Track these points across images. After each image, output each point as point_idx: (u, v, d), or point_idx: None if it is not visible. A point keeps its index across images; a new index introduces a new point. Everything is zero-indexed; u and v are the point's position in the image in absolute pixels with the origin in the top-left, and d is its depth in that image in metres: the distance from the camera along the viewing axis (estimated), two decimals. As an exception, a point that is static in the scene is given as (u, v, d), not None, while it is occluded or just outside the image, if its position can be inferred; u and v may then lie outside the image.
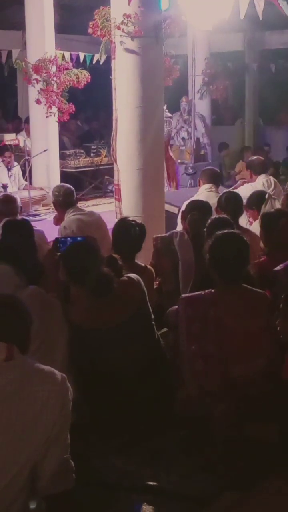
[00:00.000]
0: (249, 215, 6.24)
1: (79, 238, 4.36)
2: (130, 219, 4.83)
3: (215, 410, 3.28)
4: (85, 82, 9.84)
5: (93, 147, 11.74)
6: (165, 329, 4.14)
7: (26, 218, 5.81)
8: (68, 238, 4.44)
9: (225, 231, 3.80)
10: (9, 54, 12.97)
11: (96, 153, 11.56)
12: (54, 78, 9.63)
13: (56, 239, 4.48)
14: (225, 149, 14.39)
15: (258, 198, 6.06)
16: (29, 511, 2.67)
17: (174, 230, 5.27)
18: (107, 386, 3.58)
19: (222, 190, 6.65)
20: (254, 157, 7.99)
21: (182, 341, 3.57)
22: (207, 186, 6.64)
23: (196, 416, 3.38)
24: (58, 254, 4.13)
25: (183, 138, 13.39)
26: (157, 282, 4.95)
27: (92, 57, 11.47)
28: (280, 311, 3.47)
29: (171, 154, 10.30)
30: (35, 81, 9.63)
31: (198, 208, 5.26)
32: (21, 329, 2.73)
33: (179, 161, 12.96)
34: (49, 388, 2.61)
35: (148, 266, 4.76)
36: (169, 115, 10.11)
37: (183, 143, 13.34)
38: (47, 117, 9.71)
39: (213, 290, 3.60)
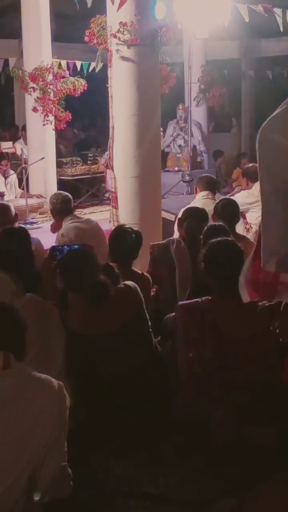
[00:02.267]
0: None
1: (75, 246, 4.37)
2: (127, 226, 4.84)
3: (214, 415, 3.28)
4: (82, 90, 9.85)
5: (90, 155, 11.75)
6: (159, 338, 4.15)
7: (23, 226, 5.82)
8: (65, 246, 4.46)
9: (219, 238, 3.82)
10: (6, 62, 12.95)
11: (93, 160, 11.57)
12: (51, 87, 9.63)
13: (53, 247, 4.49)
14: (220, 157, 14.35)
15: None
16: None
17: (171, 238, 5.27)
18: (105, 392, 3.59)
19: (219, 197, 6.67)
20: (250, 165, 8.00)
21: (180, 347, 3.58)
22: (204, 193, 6.65)
23: (194, 421, 3.39)
24: (55, 262, 4.14)
25: (179, 146, 13.42)
26: (154, 290, 4.96)
27: (89, 65, 11.48)
28: (281, 312, 3.47)
29: None
30: (31, 90, 9.64)
31: (195, 215, 5.27)
32: (17, 337, 2.73)
33: (176, 168, 13.02)
34: (46, 395, 2.62)
35: (145, 274, 4.76)
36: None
37: (180, 150, 13.36)
38: (44, 125, 9.71)
39: (210, 297, 3.62)
